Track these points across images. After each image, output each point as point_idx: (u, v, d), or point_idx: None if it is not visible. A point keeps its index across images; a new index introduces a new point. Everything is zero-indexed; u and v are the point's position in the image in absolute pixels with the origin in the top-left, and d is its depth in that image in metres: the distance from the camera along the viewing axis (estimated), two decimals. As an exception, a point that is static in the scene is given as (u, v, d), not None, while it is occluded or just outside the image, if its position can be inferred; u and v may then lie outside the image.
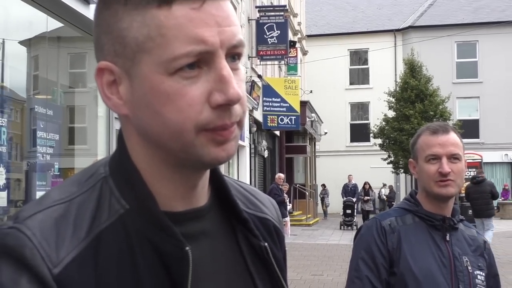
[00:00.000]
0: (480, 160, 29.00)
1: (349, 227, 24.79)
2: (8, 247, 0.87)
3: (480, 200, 15.58)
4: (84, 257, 0.90)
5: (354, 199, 26.35)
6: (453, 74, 37.74)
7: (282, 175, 18.89)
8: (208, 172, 1.05)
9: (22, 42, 8.06)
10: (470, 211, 18.83)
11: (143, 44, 0.91)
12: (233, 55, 0.95)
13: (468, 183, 16.16)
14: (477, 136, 36.20)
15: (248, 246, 1.08)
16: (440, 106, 30.04)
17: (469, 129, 33.35)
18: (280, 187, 18.10)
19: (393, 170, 32.32)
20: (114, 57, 0.95)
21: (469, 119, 36.36)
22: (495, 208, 17.52)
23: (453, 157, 2.47)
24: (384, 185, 34.04)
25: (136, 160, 1.00)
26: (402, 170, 31.22)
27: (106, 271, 0.91)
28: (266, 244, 1.08)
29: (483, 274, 2.51)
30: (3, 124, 6.78)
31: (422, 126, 2.70)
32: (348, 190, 27.48)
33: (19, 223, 0.90)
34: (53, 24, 8.21)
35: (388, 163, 31.77)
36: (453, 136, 2.51)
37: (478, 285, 2.46)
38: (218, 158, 0.94)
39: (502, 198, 33.08)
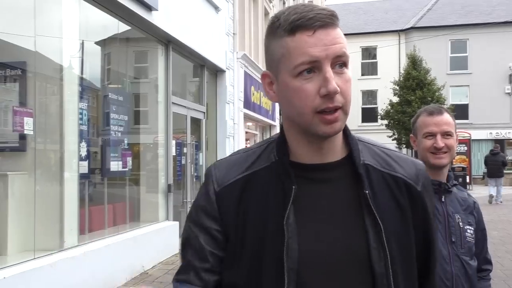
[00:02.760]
0: (469, 137, 28.67)
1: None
2: (205, 174, 1.35)
3: (495, 166, 19.50)
4: (236, 183, 1.28)
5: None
6: (447, 67, 37.13)
7: None
8: (338, 139, 1.27)
9: (97, 43, 8.17)
10: (461, 179, 19.22)
11: (280, 59, 1.19)
12: (339, 63, 1.17)
13: (487, 153, 21.08)
14: (466, 118, 35.67)
15: (363, 193, 1.24)
16: (436, 93, 29.64)
17: (460, 112, 32.87)
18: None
19: (397, 146, 32.06)
20: (269, 67, 1.26)
21: (460, 103, 35.80)
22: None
23: (446, 134, 2.47)
24: None
25: (286, 131, 1.29)
26: (404, 146, 31.01)
27: (251, 191, 1.26)
28: (368, 191, 1.23)
29: (472, 228, 2.52)
30: (84, 108, 6.91)
31: (421, 108, 2.71)
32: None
33: (214, 164, 1.37)
34: (123, 27, 8.29)
35: (392, 140, 31.51)
36: (446, 117, 2.51)
37: (468, 237, 2.48)
38: (327, 132, 1.19)
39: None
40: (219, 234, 1.27)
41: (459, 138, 2.68)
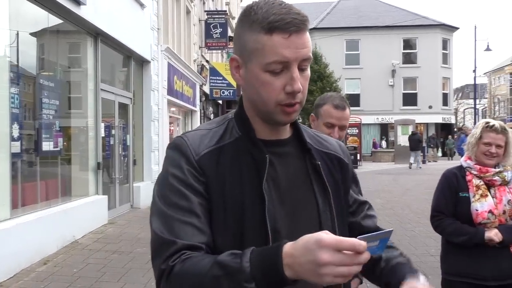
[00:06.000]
0: (360, 122, 29.68)
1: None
2: (177, 144, 1.24)
3: (414, 143, 24.19)
4: (212, 153, 1.22)
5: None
6: (343, 62, 38.17)
7: None
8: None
9: (31, 34, 7.75)
10: (352, 156, 20.10)
11: (254, 52, 1.18)
12: (304, 64, 1.19)
13: (409, 134, 26.18)
14: (358, 105, 36.91)
15: (311, 164, 1.31)
16: (334, 84, 30.51)
17: (353, 100, 33.92)
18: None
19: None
20: (239, 53, 1.23)
21: (353, 93, 36.96)
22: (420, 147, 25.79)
23: (343, 127, 2.53)
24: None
25: (246, 110, 1.29)
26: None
27: (223, 162, 1.22)
28: (319, 162, 1.31)
29: None
30: (17, 93, 6.55)
31: (327, 94, 2.70)
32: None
33: (183, 135, 1.27)
34: (54, 20, 7.91)
35: (297, 124, 32.16)
36: (347, 112, 2.54)
37: None
38: (286, 121, 1.25)
39: (373, 148, 34.05)
40: (205, 198, 1.19)
41: (351, 122, 2.72)
